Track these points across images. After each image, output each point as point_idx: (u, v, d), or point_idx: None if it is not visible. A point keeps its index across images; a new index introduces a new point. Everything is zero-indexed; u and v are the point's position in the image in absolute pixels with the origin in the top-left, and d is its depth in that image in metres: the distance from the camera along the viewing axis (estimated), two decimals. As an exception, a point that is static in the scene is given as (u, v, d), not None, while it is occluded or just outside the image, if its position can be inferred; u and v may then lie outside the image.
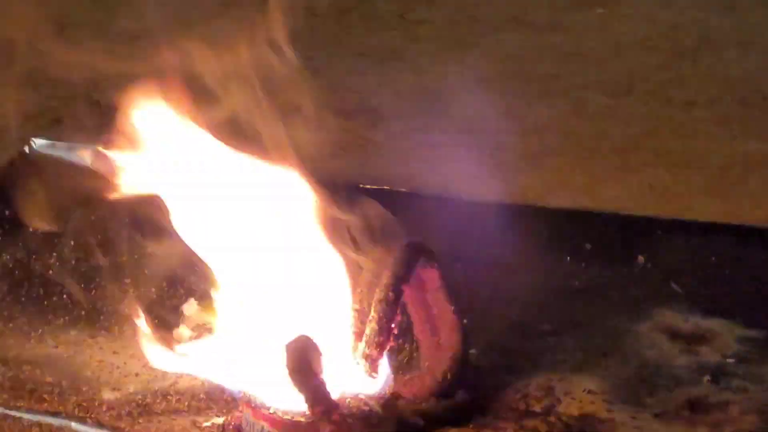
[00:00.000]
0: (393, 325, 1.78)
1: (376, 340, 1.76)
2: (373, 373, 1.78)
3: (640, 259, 2.29)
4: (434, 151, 2.71)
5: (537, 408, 1.93)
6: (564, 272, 2.28)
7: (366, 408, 1.75)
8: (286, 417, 1.73)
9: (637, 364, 2.00)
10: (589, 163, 2.64)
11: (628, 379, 1.97)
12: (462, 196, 2.51)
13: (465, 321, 1.87)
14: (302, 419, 1.72)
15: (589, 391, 1.95)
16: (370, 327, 1.77)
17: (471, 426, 1.88)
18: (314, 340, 1.70)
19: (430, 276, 1.87)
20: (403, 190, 2.50)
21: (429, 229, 2.25)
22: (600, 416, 1.90)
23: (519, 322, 2.12)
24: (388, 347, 1.78)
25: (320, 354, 1.70)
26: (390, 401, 1.79)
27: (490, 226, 2.37)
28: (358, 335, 1.79)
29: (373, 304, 1.77)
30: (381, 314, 1.76)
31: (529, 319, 2.13)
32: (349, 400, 1.75)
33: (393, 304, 1.78)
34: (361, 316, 1.80)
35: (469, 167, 2.63)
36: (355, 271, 1.87)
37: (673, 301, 2.16)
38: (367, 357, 1.76)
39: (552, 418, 1.90)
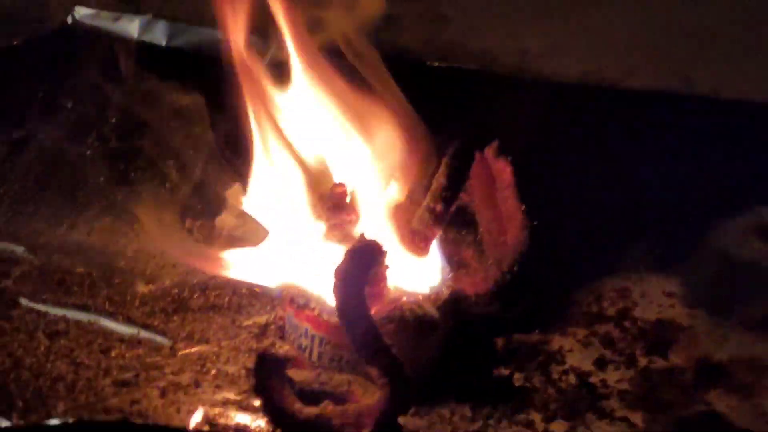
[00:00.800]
0: (461, 185, 1.69)
1: (442, 194, 1.67)
2: (426, 242, 1.67)
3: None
4: (512, 23, 2.47)
5: (610, 311, 1.79)
6: (645, 155, 2.05)
7: (420, 312, 1.59)
8: (331, 320, 1.59)
9: (724, 265, 1.81)
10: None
11: (713, 282, 1.79)
12: (544, 75, 2.30)
13: (534, 222, 1.71)
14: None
15: (669, 294, 1.80)
16: (438, 181, 1.68)
17: (537, 331, 1.75)
18: (376, 244, 1.53)
19: (502, 170, 1.72)
20: (474, 67, 2.31)
21: (500, 112, 2.06)
22: (679, 322, 1.75)
23: (596, 215, 1.92)
24: (454, 207, 1.69)
25: (384, 256, 1.54)
26: (447, 304, 1.63)
27: (569, 111, 2.16)
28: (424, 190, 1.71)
29: (444, 161, 1.68)
30: (451, 169, 1.67)
31: (607, 212, 1.93)
32: (403, 301, 1.60)
33: (465, 159, 1.69)
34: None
35: (554, 43, 2.39)
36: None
37: None
38: (430, 211, 1.67)
39: (626, 323, 1.77)
